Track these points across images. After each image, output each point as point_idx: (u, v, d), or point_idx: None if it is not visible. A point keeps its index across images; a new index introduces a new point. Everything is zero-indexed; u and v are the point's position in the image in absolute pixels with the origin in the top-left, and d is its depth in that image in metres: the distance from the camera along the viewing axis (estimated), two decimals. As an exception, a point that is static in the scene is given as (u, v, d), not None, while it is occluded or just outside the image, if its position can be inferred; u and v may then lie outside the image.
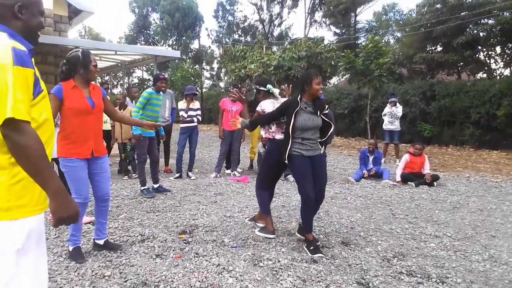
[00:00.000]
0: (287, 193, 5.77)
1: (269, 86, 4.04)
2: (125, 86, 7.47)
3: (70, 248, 3.20)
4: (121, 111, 6.49)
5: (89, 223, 4.08)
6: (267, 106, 3.90)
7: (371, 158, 7.30)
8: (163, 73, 5.82)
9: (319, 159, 3.57)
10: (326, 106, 3.60)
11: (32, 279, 1.44)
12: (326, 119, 3.55)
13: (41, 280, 1.52)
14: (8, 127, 1.30)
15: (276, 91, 4.04)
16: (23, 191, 1.43)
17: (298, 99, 3.49)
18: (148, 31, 37.13)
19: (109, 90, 6.82)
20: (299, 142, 3.47)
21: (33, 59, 1.52)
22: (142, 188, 5.52)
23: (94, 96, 3.13)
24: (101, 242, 3.39)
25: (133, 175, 6.69)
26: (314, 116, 3.49)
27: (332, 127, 3.58)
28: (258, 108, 3.96)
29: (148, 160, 5.71)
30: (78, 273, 2.90)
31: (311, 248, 3.41)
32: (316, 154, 3.53)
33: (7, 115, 1.28)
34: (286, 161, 3.49)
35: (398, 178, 6.81)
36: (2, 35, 1.42)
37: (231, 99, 7.08)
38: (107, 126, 6.94)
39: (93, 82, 3.27)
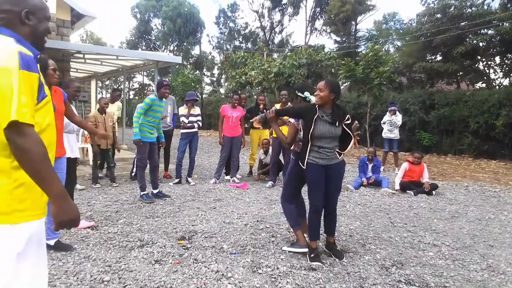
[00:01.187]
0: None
1: (306, 93, 3.76)
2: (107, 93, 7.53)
3: (52, 243, 3.31)
4: (103, 115, 6.42)
5: (89, 227, 4.09)
6: None
7: (370, 166, 7.32)
8: (166, 80, 5.84)
9: (335, 168, 3.46)
10: (347, 116, 3.45)
11: (32, 283, 1.45)
12: (346, 129, 3.44)
13: (41, 284, 1.52)
14: (12, 130, 1.31)
15: (313, 99, 3.70)
16: (24, 195, 1.43)
17: (316, 106, 3.42)
18: (149, 37, 37.30)
19: (121, 97, 6.93)
20: (316, 150, 3.40)
21: (38, 65, 1.54)
22: (142, 193, 5.51)
23: (55, 99, 3.26)
24: (52, 242, 3.39)
25: (114, 184, 6.50)
26: (331, 126, 3.38)
27: (352, 140, 3.48)
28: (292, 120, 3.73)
29: (148, 166, 5.72)
30: (77, 278, 2.91)
31: (311, 255, 3.40)
32: (332, 163, 3.43)
33: (11, 118, 1.29)
34: (304, 167, 3.42)
35: (397, 187, 6.82)
36: (9, 40, 1.44)
37: (231, 106, 7.14)
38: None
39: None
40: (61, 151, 3.41)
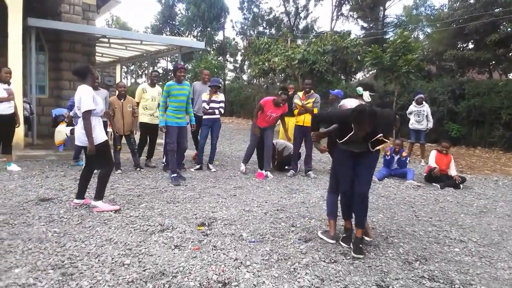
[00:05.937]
0: (307, 190, 5.71)
1: (359, 88, 4.21)
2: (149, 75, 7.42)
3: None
4: (121, 100, 6.39)
5: (111, 211, 4.15)
6: (348, 103, 3.63)
7: (396, 158, 7.10)
8: (181, 63, 5.93)
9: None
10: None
11: None
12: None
13: None
14: None
15: (366, 94, 4.12)
16: None
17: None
18: (173, 22, 37.41)
19: (159, 81, 6.54)
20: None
21: None
22: (172, 175, 5.80)
23: None
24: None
25: (141, 169, 6.58)
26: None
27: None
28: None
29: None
30: (99, 260, 2.95)
31: (354, 246, 3.38)
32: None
33: None
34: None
35: (431, 161, 6.75)
36: None
37: (275, 103, 6.46)
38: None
39: None
40: None
